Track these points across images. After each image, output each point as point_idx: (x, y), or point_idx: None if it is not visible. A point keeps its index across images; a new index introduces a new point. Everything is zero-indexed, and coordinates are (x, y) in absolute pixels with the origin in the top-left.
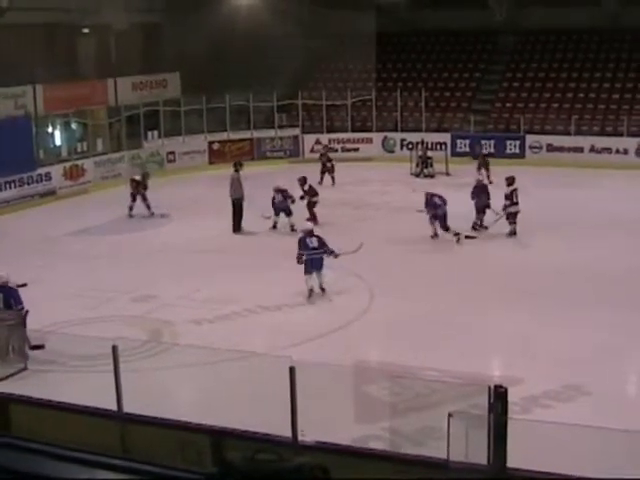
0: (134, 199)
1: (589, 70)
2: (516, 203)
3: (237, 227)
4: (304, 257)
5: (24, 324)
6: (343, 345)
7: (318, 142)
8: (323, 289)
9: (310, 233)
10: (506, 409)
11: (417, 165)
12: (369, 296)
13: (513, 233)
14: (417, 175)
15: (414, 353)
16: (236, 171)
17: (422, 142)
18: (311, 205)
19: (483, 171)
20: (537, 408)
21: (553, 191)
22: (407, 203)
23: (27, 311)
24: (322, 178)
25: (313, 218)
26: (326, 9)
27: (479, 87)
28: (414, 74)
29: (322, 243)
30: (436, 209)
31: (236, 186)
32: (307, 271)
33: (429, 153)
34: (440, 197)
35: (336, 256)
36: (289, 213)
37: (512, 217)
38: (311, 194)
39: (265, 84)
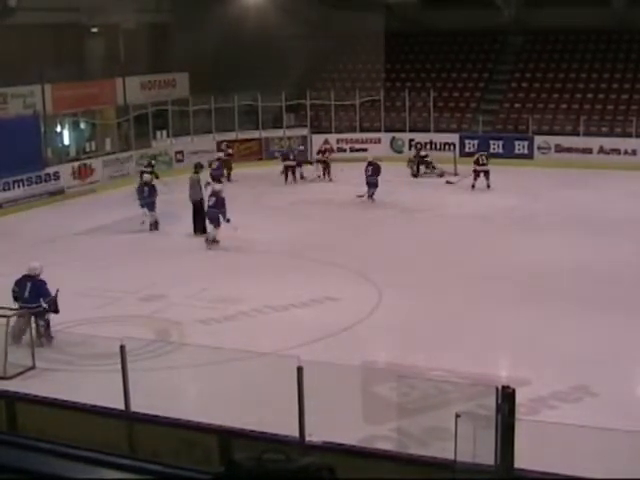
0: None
1: (598, 70)
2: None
3: (199, 229)
4: None
5: (55, 310)
6: (351, 345)
7: (326, 142)
8: None
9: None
10: (513, 410)
11: (408, 165)
12: (377, 296)
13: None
14: (415, 175)
15: (422, 353)
16: (196, 173)
17: (417, 145)
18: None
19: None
20: (544, 409)
21: (561, 192)
22: (415, 204)
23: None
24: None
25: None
26: (335, 9)
27: (487, 87)
28: (422, 74)
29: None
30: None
31: (196, 188)
32: None
33: (422, 152)
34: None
35: None
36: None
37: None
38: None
39: (273, 84)
